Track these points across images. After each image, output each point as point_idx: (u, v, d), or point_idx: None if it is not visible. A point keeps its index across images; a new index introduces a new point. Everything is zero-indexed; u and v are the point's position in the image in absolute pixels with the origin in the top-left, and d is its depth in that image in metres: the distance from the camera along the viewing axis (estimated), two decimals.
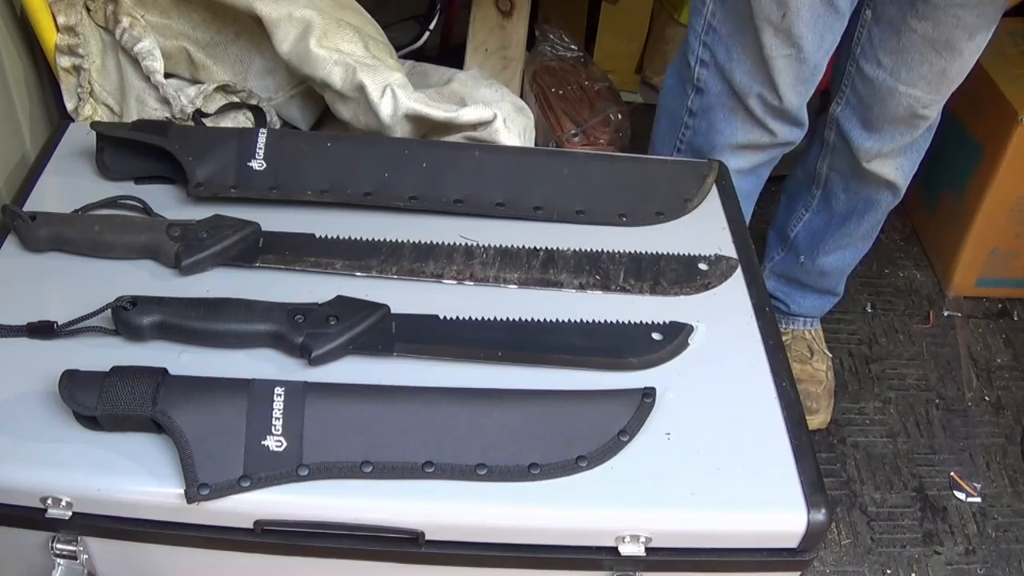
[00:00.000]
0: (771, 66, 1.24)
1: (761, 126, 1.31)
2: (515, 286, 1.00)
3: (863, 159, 1.38)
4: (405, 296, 0.97)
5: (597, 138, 1.76)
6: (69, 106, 1.25)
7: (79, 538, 0.83)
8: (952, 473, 1.65)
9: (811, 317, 1.74)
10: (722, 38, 1.26)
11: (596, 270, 1.02)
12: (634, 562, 0.83)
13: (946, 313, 1.94)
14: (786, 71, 1.24)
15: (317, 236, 1.02)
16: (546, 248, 1.04)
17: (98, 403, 0.80)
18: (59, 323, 0.89)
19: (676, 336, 0.95)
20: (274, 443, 0.81)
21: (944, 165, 1.99)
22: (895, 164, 1.39)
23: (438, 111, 1.13)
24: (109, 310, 0.89)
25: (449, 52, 2.06)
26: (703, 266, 1.04)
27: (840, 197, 1.49)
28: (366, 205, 1.06)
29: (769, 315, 1.00)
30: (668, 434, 0.87)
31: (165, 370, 0.84)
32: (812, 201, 1.55)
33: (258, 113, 1.26)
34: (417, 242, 1.03)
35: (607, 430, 0.85)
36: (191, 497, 0.78)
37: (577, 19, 2.18)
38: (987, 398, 1.78)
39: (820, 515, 0.82)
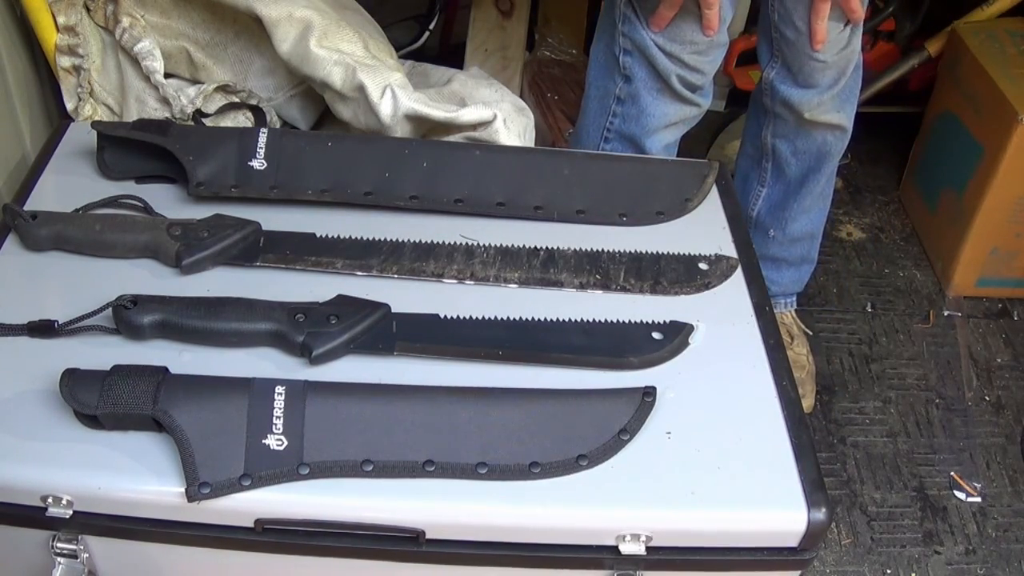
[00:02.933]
0: (693, 50, 1.29)
1: (687, 102, 1.36)
2: (515, 285, 1.00)
3: (806, 112, 1.41)
4: (406, 295, 0.97)
5: None
6: (69, 106, 1.26)
7: (79, 537, 0.83)
8: (952, 473, 1.64)
9: (791, 294, 1.74)
10: (637, 27, 1.30)
11: (596, 269, 1.02)
12: (635, 561, 0.83)
13: (946, 313, 1.94)
14: (706, 53, 1.30)
15: (318, 235, 1.02)
16: (546, 248, 1.04)
17: (99, 402, 0.80)
18: (60, 322, 0.89)
19: (676, 335, 0.95)
20: (275, 442, 0.81)
21: (944, 165, 1.99)
22: (836, 107, 1.43)
23: (438, 111, 1.14)
24: (110, 309, 0.89)
25: (449, 52, 2.06)
26: (703, 266, 1.04)
27: (791, 162, 1.52)
28: (367, 204, 1.06)
29: (769, 314, 1.00)
30: (669, 433, 0.87)
31: (166, 369, 0.84)
32: (766, 175, 1.57)
33: (258, 113, 1.26)
34: (418, 241, 1.03)
35: (608, 429, 0.85)
36: (192, 496, 0.78)
37: (577, 19, 2.18)
38: (987, 398, 1.78)
39: (820, 514, 0.82)
